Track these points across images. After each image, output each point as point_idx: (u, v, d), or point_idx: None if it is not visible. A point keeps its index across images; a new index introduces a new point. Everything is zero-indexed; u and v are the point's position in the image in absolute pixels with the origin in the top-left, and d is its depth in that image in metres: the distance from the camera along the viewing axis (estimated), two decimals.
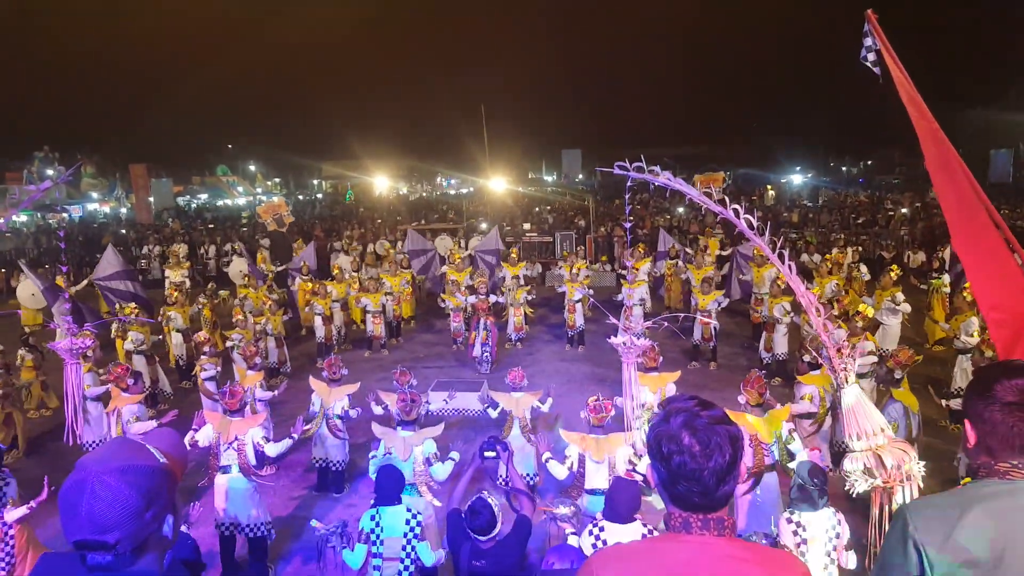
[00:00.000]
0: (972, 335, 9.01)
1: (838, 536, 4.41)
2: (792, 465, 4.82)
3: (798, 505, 4.45)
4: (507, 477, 4.28)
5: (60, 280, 13.65)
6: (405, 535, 4.55)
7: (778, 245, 3.87)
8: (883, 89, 4.00)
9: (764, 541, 4.20)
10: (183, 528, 4.38)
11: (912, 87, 3.90)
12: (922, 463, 3.26)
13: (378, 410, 7.23)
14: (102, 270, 12.37)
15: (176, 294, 12.21)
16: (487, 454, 4.27)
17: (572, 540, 4.27)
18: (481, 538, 3.85)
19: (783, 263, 3.71)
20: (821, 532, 4.37)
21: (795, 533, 4.37)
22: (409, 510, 4.65)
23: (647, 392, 7.23)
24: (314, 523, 5.07)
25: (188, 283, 16.58)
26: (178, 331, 11.54)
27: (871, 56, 4.10)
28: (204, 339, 9.68)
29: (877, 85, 4.02)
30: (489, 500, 3.93)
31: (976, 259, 3.62)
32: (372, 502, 4.78)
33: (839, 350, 3.51)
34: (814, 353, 7.67)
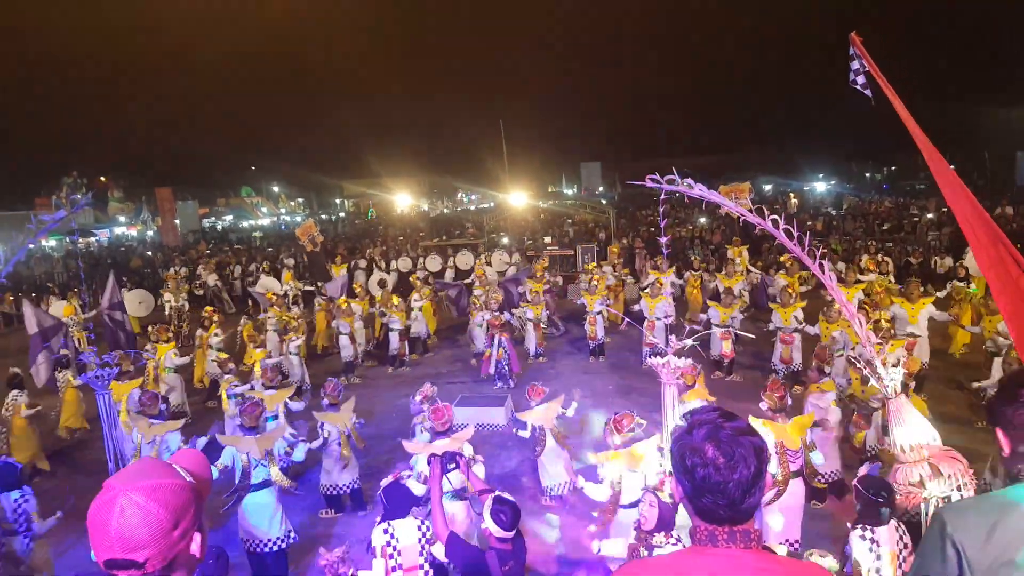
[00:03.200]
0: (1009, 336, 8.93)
1: (907, 546, 4.28)
2: (854, 482, 4.68)
3: (868, 520, 4.30)
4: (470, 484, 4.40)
5: (70, 309, 13.86)
6: (419, 540, 4.63)
7: (817, 255, 3.83)
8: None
9: (824, 560, 4.00)
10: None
11: (903, 107, 3.88)
12: (971, 471, 3.18)
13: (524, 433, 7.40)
14: (107, 299, 12.43)
15: (216, 314, 12.36)
16: (450, 466, 4.35)
17: None
18: (508, 535, 3.87)
19: (824, 273, 3.67)
20: (892, 545, 4.25)
21: (870, 551, 4.22)
22: (416, 517, 4.74)
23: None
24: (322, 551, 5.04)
25: (187, 306, 16.91)
26: (216, 350, 11.62)
27: (860, 79, 4.09)
28: (225, 359, 9.76)
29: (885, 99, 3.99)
30: (504, 495, 3.98)
31: (998, 282, 3.56)
32: (379, 519, 4.81)
33: (884, 361, 3.45)
34: (824, 363, 7.66)
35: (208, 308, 13.16)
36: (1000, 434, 1.88)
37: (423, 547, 4.60)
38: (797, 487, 5.78)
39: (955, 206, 3.80)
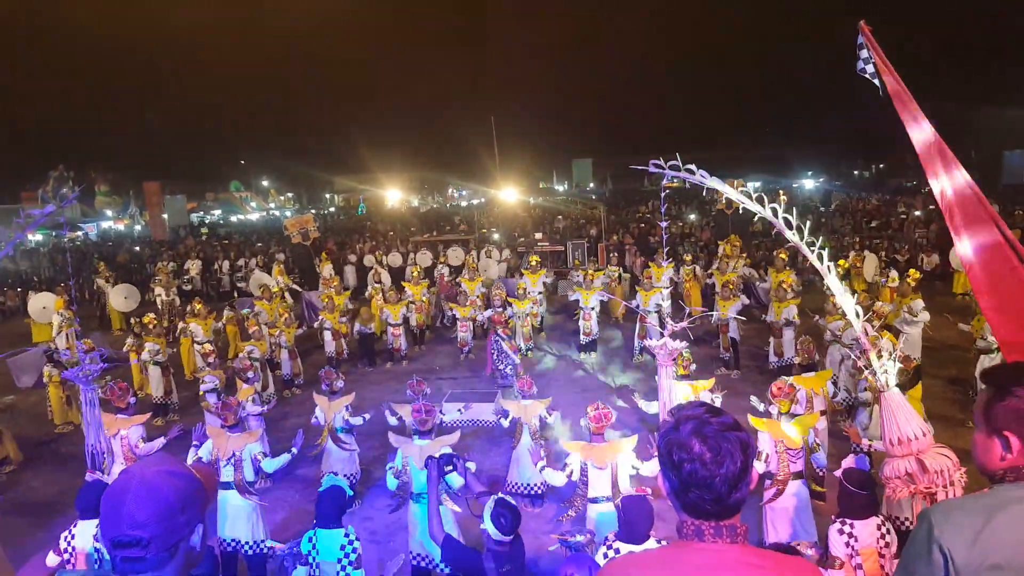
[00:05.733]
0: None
1: (887, 545, 4.23)
2: (837, 473, 4.67)
3: (848, 513, 4.30)
4: (467, 486, 4.33)
5: (61, 302, 13.76)
6: (339, 560, 4.50)
7: (816, 245, 3.83)
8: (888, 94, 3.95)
9: (810, 552, 4.07)
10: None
11: (911, 98, 3.85)
12: (963, 468, 3.18)
13: (393, 420, 7.26)
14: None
15: (199, 306, 12.28)
16: (447, 468, 4.29)
17: None
18: (506, 538, 3.83)
19: (822, 263, 3.68)
20: (873, 541, 4.22)
21: (847, 544, 4.22)
22: (347, 535, 4.59)
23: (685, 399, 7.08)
24: (269, 542, 4.98)
25: (177, 300, 16.89)
26: (198, 343, 11.56)
27: (869, 68, 4.04)
28: (209, 351, 9.70)
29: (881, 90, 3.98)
30: (506, 498, 3.93)
31: (988, 279, 3.51)
32: (313, 523, 4.72)
33: (879, 354, 3.46)
34: (807, 355, 7.88)
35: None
36: None
37: (343, 567, 4.49)
38: (801, 488, 5.63)
39: (951, 196, 3.74)
